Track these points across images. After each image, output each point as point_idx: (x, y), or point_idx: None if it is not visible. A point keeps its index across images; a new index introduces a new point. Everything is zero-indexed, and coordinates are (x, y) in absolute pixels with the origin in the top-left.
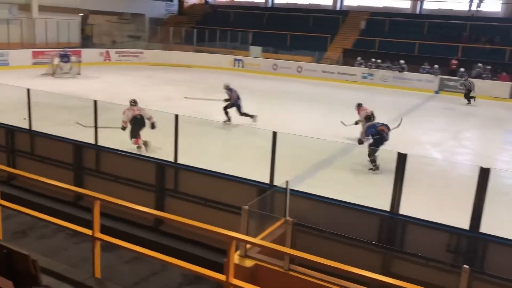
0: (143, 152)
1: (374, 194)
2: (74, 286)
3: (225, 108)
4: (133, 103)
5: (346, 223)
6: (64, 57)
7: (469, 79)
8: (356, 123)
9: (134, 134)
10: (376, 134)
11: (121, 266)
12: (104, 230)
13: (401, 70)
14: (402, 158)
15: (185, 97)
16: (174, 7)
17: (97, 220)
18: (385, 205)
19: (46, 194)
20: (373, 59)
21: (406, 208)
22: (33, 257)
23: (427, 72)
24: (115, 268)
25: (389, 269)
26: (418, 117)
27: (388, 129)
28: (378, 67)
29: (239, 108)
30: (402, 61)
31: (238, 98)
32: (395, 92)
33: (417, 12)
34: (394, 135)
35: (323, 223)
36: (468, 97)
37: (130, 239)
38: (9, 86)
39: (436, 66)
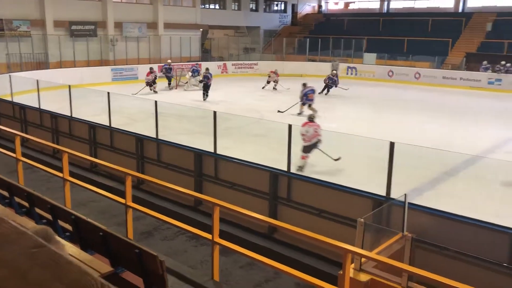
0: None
1: (503, 211)
2: (194, 287)
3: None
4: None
5: (470, 241)
6: (195, 72)
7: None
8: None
9: None
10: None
11: (236, 271)
12: (221, 234)
13: None
14: None
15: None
16: (288, 18)
17: (216, 225)
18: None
19: (169, 198)
20: (503, 62)
21: None
22: (161, 258)
23: None
24: (231, 272)
25: None
26: None
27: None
28: (507, 71)
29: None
30: None
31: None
32: None
33: None
34: None
35: (444, 240)
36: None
37: (245, 244)
38: (139, 98)
39: None
